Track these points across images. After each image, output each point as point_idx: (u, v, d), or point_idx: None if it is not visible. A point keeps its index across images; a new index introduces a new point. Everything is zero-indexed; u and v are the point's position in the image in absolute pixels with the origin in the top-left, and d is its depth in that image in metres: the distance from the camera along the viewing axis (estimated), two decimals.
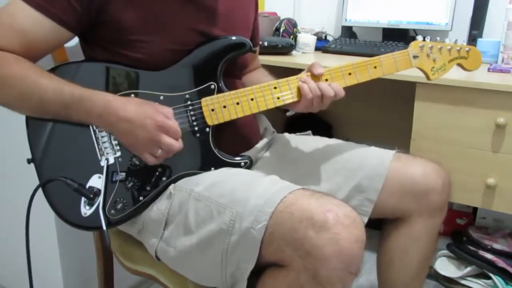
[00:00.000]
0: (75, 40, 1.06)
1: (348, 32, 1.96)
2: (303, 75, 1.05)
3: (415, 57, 1.10)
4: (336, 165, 1.16)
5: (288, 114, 1.16)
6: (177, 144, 0.93)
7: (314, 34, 1.91)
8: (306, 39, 1.83)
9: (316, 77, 1.04)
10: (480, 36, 1.66)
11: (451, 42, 1.12)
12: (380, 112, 1.78)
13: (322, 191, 1.09)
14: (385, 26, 1.85)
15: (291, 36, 1.84)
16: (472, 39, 1.64)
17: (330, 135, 1.69)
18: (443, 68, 1.12)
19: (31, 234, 1.02)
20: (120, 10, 0.95)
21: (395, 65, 1.09)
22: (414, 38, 1.80)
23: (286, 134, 1.32)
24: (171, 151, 0.94)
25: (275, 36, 1.83)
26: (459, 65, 1.14)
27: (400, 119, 1.54)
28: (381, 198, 1.11)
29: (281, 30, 1.83)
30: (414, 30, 1.83)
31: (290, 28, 1.85)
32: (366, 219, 1.11)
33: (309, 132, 1.33)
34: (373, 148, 1.19)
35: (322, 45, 1.85)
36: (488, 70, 1.41)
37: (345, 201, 1.10)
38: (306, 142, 1.25)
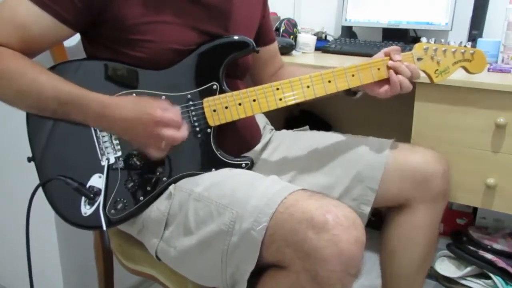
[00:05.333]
0: (75, 39, 1.06)
1: (348, 32, 1.95)
2: (380, 60, 1.06)
3: (419, 59, 1.09)
4: (335, 157, 1.16)
5: (356, 96, 1.17)
6: (180, 134, 0.92)
7: (314, 34, 1.91)
8: (306, 39, 1.82)
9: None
10: (480, 36, 1.66)
11: (455, 44, 1.11)
12: (380, 112, 1.78)
13: (323, 184, 1.10)
14: (385, 26, 1.84)
15: (291, 36, 1.83)
16: (472, 39, 1.64)
17: None
18: (447, 71, 1.11)
19: (31, 234, 1.02)
20: (123, 9, 0.95)
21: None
22: (414, 38, 1.81)
23: (284, 131, 1.32)
24: (175, 143, 0.93)
25: (275, 36, 1.83)
26: (463, 67, 1.13)
27: (400, 119, 1.54)
28: (382, 186, 1.12)
29: (281, 30, 1.83)
30: (414, 30, 1.83)
31: (290, 28, 1.85)
32: (368, 209, 1.12)
33: (306, 127, 1.33)
34: (371, 138, 1.20)
35: (322, 45, 1.85)
36: (488, 70, 1.41)
37: (346, 191, 1.11)
38: (304, 137, 1.25)
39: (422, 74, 1.13)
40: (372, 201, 1.12)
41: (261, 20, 1.24)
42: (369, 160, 1.13)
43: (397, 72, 1.06)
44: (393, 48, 1.08)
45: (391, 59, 1.07)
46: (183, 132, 0.93)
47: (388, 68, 1.07)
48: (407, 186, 1.13)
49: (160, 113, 0.90)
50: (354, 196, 1.12)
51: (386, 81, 1.07)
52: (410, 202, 1.15)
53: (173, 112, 0.92)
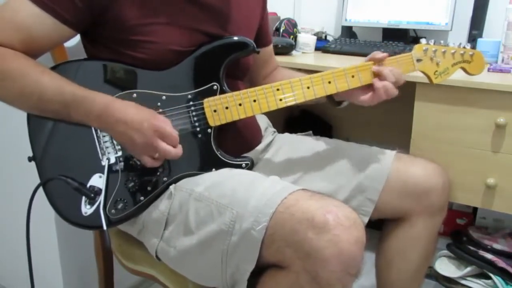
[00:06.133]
0: (75, 39, 1.05)
1: (348, 32, 1.95)
2: (355, 68, 1.05)
3: (418, 60, 1.09)
4: (337, 165, 1.16)
5: (341, 106, 1.17)
6: (174, 151, 0.93)
7: (314, 34, 1.91)
8: (306, 39, 1.82)
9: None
10: (480, 36, 1.66)
11: (455, 45, 1.11)
12: (380, 112, 1.77)
13: (323, 192, 1.10)
14: (385, 26, 1.85)
15: (291, 36, 1.84)
16: (472, 39, 1.64)
17: (330, 135, 1.69)
18: (446, 72, 1.11)
19: (31, 234, 1.02)
20: (123, 10, 0.95)
21: (399, 68, 1.08)
22: (414, 38, 1.81)
23: (287, 134, 1.32)
24: (168, 157, 0.94)
25: (275, 36, 1.83)
26: (463, 69, 1.13)
27: (400, 119, 1.54)
28: (382, 198, 1.12)
29: (281, 30, 1.83)
30: (414, 30, 1.83)
31: (290, 28, 1.85)
32: (366, 219, 1.12)
33: (310, 132, 1.33)
34: (374, 148, 1.20)
35: (322, 45, 1.85)
36: (488, 70, 1.41)
37: (346, 201, 1.11)
38: (307, 142, 1.25)
39: (422, 75, 1.13)
40: (371, 211, 1.13)
41: (260, 22, 1.24)
42: (371, 171, 1.13)
43: (381, 78, 1.05)
44: (375, 52, 1.07)
45: (375, 62, 1.06)
46: (177, 150, 0.93)
47: (373, 73, 1.06)
48: (407, 199, 1.13)
49: (160, 123, 0.91)
50: (353, 206, 1.11)
51: (371, 88, 1.06)
52: (409, 214, 1.15)
53: (172, 130, 0.93)
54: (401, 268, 1.19)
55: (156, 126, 0.90)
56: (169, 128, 0.92)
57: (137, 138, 0.91)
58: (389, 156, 1.15)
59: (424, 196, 1.12)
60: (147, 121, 0.90)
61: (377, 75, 1.05)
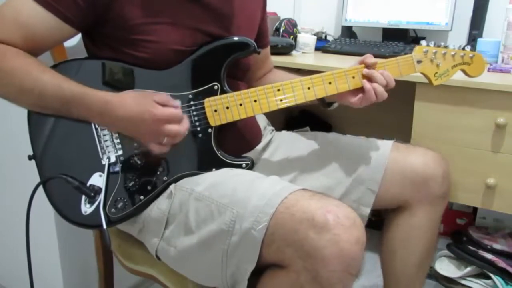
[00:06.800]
0: (75, 39, 1.05)
1: (348, 32, 1.96)
2: (356, 69, 1.04)
3: (418, 62, 1.09)
4: (336, 158, 1.17)
5: (331, 107, 1.17)
6: (182, 128, 0.93)
7: (314, 34, 1.91)
8: (306, 39, 1.82)
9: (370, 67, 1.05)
10: (480, 36, 1.66)
11: (455, 47, 1.12)
12: (380, 112, 1.77)
13: (323, 186, 1.10)
14: (385, 26, 1.85)
15: (291, 36, 1.84)
16: (472, 39, 1.64)
17: None
18: (446, 74, 1.11)
19: (31, 234, 1.02)
20: (126, 9, 0.95)
21: (399, 70, 1.08)
22: (414, 38, 1.81)
23: (285, 132, 1.32)
24: (177, 137, 0.94)
25: (275, 36, 1.83)
26: (462, 71, 1.13)
27: (400, 119, 1.54)
28: (382, 188, 1.12)
29: (281, 30, 1.83)
30: (414, 30, 1.83)
31: (290, 28, 1.85)
32: (368, 210, 1.12)
33: (307, 128, 1.33)
34: (371, 139, 1.20)
35: (322, 45, 1.85)
36: (488, 70, 1.41)
37: (346, 194, 1.11)
38: (305, 138, 1.25)
39: (422, 77, 1.13)
40: (372, 202, 1.13)
41: (260, 23, 1.24)
42: (370, 161, 1.14)
43: (371, 80, 1.04)
44: (366, 55, 1.06)
45: (366, 66, 1.05)
46: (184, 125, 0.94)
47: (364, 76, 1.05)
48: (407, 188, 1.13)
49: (161, 111, 0.91)
50: (354, 197, 1.12)
51: (361, 90, 1.05)
52: (410, 203, 1.15)
53: (173, 106, 0.93)
54: (405, 257, 1.19)
55: (156, 115, 0.91)
56: (169, 109, 0.92)
57: (142, 129, 0.92)
58: (386, 146, 1.16)
59: (424, 185, 1.13)
60: (147, 112, 0.91)
61: (368, 78, 1.05)
